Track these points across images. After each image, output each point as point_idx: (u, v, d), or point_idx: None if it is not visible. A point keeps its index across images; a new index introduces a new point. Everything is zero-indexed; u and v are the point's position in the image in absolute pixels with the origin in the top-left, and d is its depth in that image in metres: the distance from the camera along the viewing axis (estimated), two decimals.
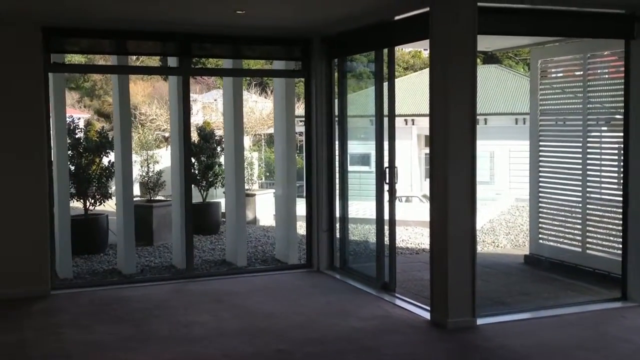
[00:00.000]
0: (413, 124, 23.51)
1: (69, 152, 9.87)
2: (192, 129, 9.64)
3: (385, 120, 7.14)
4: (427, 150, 25.47)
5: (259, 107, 29.53)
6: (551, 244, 8.28)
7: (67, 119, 9.96)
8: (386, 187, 7.08)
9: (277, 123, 9.23)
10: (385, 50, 7.06)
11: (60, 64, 7.41)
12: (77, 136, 10.03)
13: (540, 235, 8.44)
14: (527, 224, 9.82)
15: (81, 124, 10.22)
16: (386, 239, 7.23)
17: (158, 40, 7.57)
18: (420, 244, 10.85)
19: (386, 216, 7.18)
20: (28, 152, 6.89)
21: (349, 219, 8.18)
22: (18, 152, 6.87)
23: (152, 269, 8.75)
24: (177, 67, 7.88)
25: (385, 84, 7.08)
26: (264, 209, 13.40)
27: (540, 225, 8.42)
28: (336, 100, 8.06)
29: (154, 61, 23.36)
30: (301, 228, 9.02)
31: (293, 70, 8.46)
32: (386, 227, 7.21)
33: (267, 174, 26.98)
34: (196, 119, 27.61)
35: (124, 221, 8.39)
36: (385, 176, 7.06)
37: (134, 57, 21.71)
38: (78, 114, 29.18)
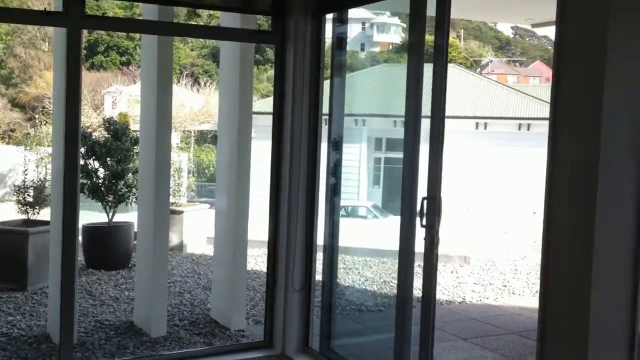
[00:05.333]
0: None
1: None
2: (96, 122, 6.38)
3: (424, 122, 4.04)
4: None
5: (188, 102, 25.98)
6: None
7: None
8: (419, 228, 4.04)
9: (223, 112, 6.10)
10: None
11: None
12: None
13: None
14: None
15: None
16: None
17: None
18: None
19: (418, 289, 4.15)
20: None
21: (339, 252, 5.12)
22: None
23: (11, 341, 5.38)
24: (60, 14, 4.51)
25: (427, 65, 3.97)
26: (193, 230, 10.15)
27: None
28: (328, 85, 4.97)
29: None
30: (257, 264, 5.82)
31: (257, 32, 5.40)
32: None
33: (203, 179, 23.29)
34: (114, 113, 23.87)
35: None
36: (423, 213, 3.99)
37: None
38: None
